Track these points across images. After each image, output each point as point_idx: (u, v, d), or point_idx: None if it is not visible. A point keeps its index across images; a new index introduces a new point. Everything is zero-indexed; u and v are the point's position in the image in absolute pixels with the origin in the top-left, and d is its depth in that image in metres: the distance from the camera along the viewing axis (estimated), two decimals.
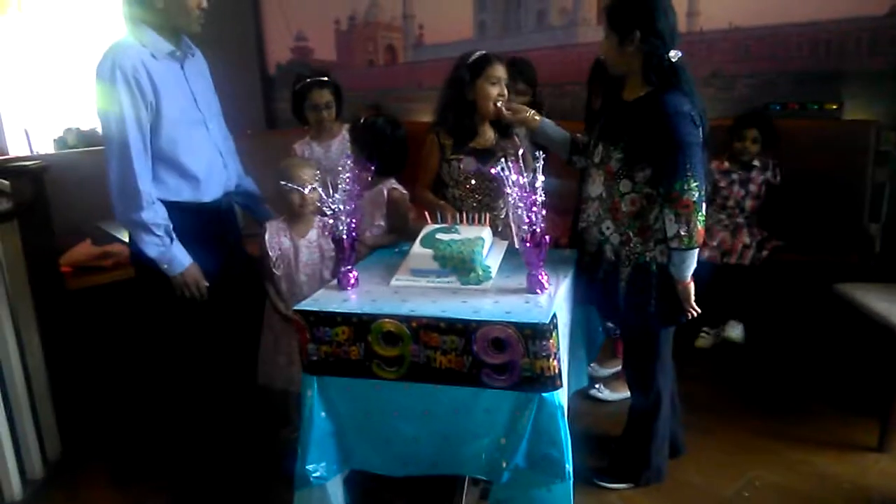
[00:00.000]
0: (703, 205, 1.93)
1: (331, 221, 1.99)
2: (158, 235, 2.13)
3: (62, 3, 6.38)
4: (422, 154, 2.53)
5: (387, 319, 1.80)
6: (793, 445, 2.53)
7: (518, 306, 1.80)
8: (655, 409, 2.23)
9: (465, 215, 2.21)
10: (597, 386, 2.87)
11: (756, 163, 3.23)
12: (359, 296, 1.97)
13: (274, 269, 2.33)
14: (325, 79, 2.88)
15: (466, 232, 2.11)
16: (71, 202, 3.48)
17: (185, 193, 2.20)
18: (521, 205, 1.82)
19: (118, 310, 3.22)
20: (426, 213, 2.22)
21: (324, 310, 1.86)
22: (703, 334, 3.39)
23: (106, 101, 2.05)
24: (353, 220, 2.01)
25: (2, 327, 2.31)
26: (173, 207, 2.17)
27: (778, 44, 3.51)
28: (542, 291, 1.88)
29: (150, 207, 2.09)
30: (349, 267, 2.02)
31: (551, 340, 1.70)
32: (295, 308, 1.90)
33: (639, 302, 2.07)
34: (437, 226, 2.17)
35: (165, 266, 2.16)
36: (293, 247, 2.34)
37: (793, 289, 3.08)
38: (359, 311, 1.83)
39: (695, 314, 2.05)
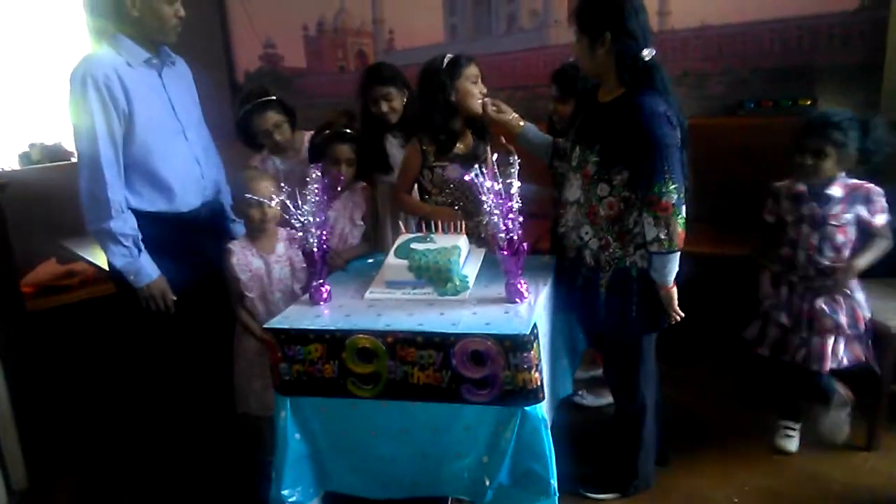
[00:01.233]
0: (683, 207, 1.89)
1: (300, 234, 1.91)
2: (126, 246, 2.10)
3: (24, 15, 6.23)
4: (402, 160, 2.47)
5: (361, 335, 1.73)
6: None
7: (497, 317, 1.74)
8: (641, 416, 2.18)
9: (440, 224, 2.13)
10: (579, 392, 2.81)
11: (836, 189, 2.22)
12: (332, 311, 1.89)
13: (246, 293, 2.20)
14: (266, 99, 2.60)
15: (442, 241, 2.04)
16: (35, 219, 3.37)
17: (159, 203, 2.17)
18: (496, 212, 1.76)
19: (86, 329, 3.12)
20: (399, 222, 2.15)
21: (295, 327, 1.78)
22: (787, 432, 2.50)
23: (77, 110, 2.04)
24: (324, 232, 1.94)
25: None
26: (147, 217, 2.14)
27: (750, 41, 3.49)
28: (521, 300, 1.82)
29: (118, 217, 2.07)
30: (321, 281, 1.94)
31: (532, 352, 1.64)
32: (265, 326, 1.82)
33: (620, 308, 2.01)
34: (411, 235, 2.10)
35: (132, 277, 2.13)
36: (264, 265, 2.21)
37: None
38: (332, 328, 1.75)
39: (678, 319, 2.01)
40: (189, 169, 2.25)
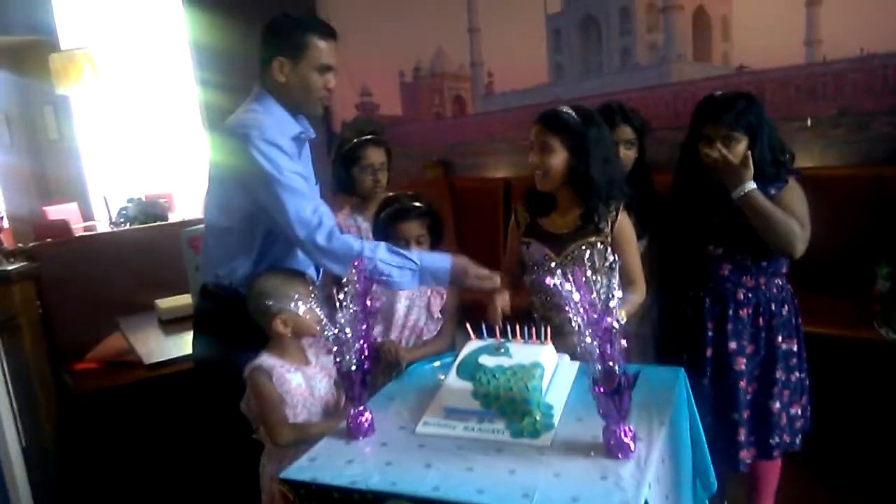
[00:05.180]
0: None
1: (334, 349, 1.48)
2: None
3: (136, 69, 6.40)
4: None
5: (400, 502, 1.27)
6: None
7: (590, 485, 1.22)
8: None
9: (517, 326, 1.64)
10: None
11: None
12: (371, 451, 1.44)
13: (291, 420, 1.69)
14: (379, 138, 2.44)
15: (520, 353, 1.55)
16: (102, 288, 3.18)
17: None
18: (588, 333, 1.26)
19: (146, 412, 2.85)
20: (468, 325, 1.68)
21: (318, 481, 1.34)
22: None
23: (254, 165, 1.73)
24: (366, 345, 1.51)
25: None
26: None
27: None
28: (625, 457, 1.29)
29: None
30: (361, 408, 1.51)
31: None
32: (281, 477, 1.39)
33: None
34: (481, 343, 1.62)
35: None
36: (304, 381, 1.73)
37: None
38: (362, 487, 1.30)
39: None
40: None
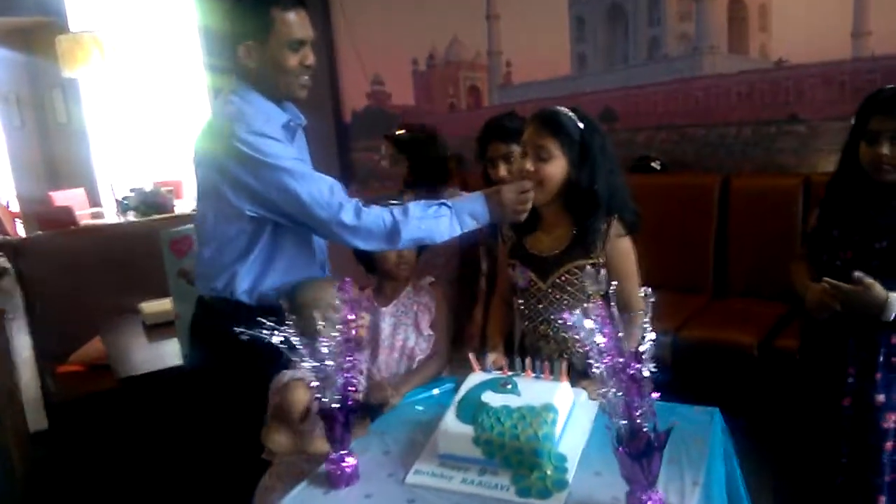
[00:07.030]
0: None
1: (314, 384, 1.28)
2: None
3: (145, 53, 6.23)
4: None
5: None
6: None
7: None
8: None
9: (522, 358, 1.43)
10: None
11: None
12: (354, 502, 1.24)
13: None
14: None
15: (530, 392, 1.34)
16: (107, 283, 3.01)
17: None
18: (612, 381, 1.04)
19: (124, 420, 2.67)
20: (471, 356, 1.47)
21: None
22: None
23: (254, 163, 1.54)
24: (352, 378, 1.30)
25: None
26: None
27: None
28: None
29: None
30: (343, 452, 1.30)
31: None
32: None
33: None
34: (485, 376, 1.41)
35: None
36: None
37: None
38: None
39: None
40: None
